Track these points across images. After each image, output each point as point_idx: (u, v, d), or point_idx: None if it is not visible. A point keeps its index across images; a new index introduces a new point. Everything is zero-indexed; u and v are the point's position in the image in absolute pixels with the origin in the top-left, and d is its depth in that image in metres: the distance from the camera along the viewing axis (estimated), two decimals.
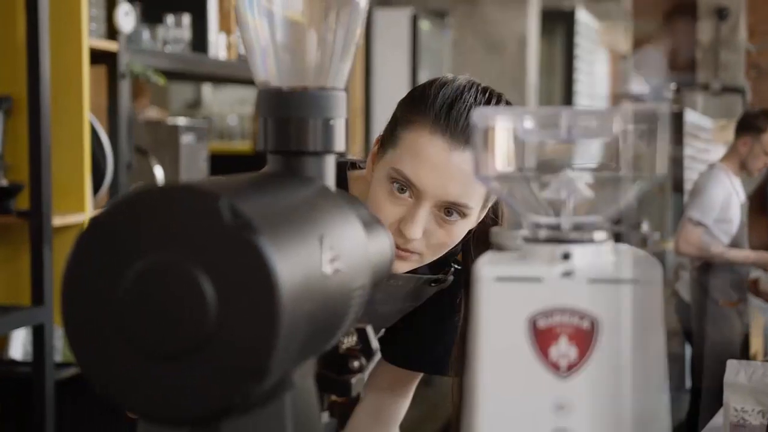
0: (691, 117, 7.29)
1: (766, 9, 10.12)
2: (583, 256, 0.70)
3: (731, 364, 1.93)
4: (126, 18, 2.68)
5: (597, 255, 0.71)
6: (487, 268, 0.70)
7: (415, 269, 1.34)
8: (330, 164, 0.84)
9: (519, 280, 0.70)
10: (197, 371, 0.62)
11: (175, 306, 0.63)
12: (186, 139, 3.11)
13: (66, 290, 0.65)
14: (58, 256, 2.52)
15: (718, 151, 8.69)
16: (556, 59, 7.66)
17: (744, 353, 4.39)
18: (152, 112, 4.04)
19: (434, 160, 1.23)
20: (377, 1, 5.00)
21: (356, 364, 0.84)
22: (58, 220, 2.49)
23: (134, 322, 0.63)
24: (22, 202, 2.45)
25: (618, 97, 10.05)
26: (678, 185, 7.19)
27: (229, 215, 0.63)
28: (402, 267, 1.30)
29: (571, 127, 0.71)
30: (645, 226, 6.47)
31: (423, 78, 6.00)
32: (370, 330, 0.88)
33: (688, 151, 7.05)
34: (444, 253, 1.31)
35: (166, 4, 3.12)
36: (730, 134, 8.73)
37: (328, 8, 0.84)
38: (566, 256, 0.70)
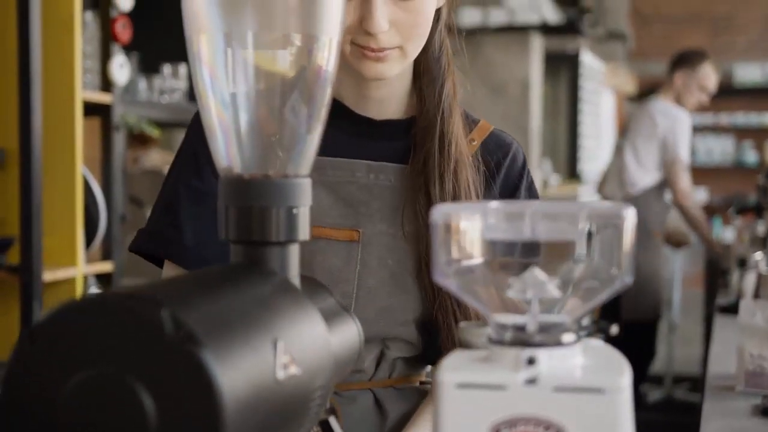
0: (586, 58, 7.38)
1: None
2: (549, 360, 0.67)
3: (745, 304, 1.77)
4: (121, 70, 2.67)
5: (564, 359, 0.68)
6: (449, 373, 0.67)
7: None
8: (294, 254, 0.82)
9: (482, 387, 0.66)
10: None
11: (114, 421, 0.60)
12: None
13: (4, 400, 0.62)
14: None
15: (607, 94, 8.80)
16: (561, 101, 7.65)
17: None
18: (155, 156, 4.03)
19: None
20: None
21: None
22: (49, 275, 2.46)
23: None
24: (13, 256, 2.43)
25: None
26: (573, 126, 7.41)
27: (171, 326, 0.60)
28: (387, 68, 1.21)
29: (535, 224, 0.68)
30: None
31: None
32: (333, 421, 0.85)
33: (582, 93, 7.22)
34: (424, 36, 1.22)
35: (163, 55, 3.12)
36: (617, 78, 8.80)
37: (290, 93, 0.82)
38: (531, 361, 0.67)
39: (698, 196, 10.43)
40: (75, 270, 2.56)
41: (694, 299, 6.55)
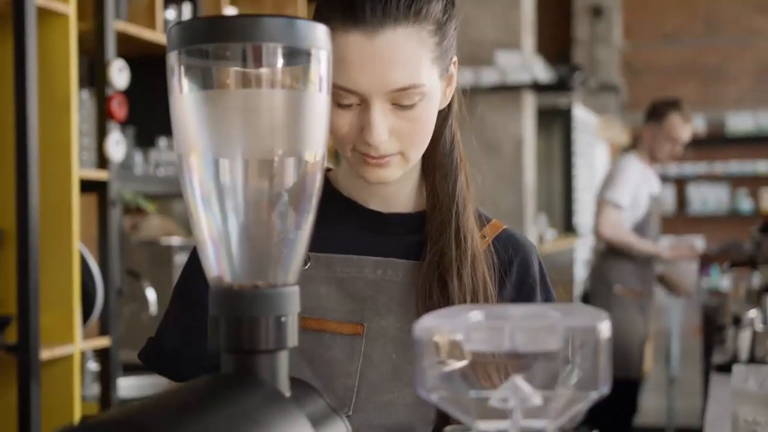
0: (579, 112, 7.46)
1: (641, 8, 10.32)
2: None
3: (738, 369, 1.77)
4: (117, 147, 2.71)
5: None
6: None
7: None
8: (283, 360, 0.84)
9: None
10: None
11: None
12: (180, 259, 3.12)
13: None
14: (47, 391, 2.51)
15: (601, 146, 8.87)
16: (555, 155, 7.71)
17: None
18: (155, 222, 4.05)
19: (357, 56, 1.14)
20: None
21: None
22: (46, 353, 2.47)
23: None
24: (10, 335, 2.44)
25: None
26: (568, 180, 7.44)
27: None
28: (389, 174, 1.21)
29: (515, 338, 0.71)
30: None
31: None
32: None
33: (576, 147, 7.33)
34: (426, 141, 1.21)
35: (158, 128, 3.16)
36: (610, 130, 8.86)
37: (278, 207, 0.85)
38: None
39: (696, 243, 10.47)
40: (72, 347, 2.57)
41: (695, 350, 6.55)
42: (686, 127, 4.56)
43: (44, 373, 2.52)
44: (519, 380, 0.72)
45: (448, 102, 1.29)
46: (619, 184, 4.43)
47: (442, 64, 1.21)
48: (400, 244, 1.28)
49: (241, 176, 0.83)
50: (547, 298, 1.32)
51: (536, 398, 0.71)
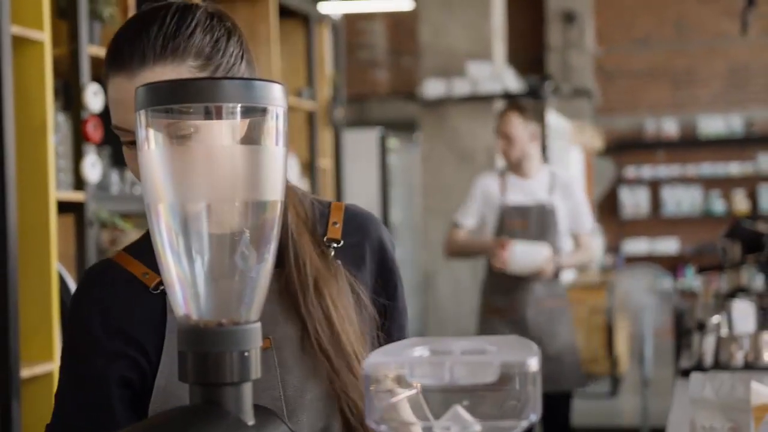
0: (552, 119, 7.56)
1: (613, 13, 10.48)
2: None
3: (696, 377, 1.82)
4: (92, 169, 2.77)
5: None
6: None
7: None
8: (247, 391, 0.91)
9: None
10: None
11: None
12: None
13: None
14: (27, 408, 2.57)
15: (575, 151, 8.99)
16: None
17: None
18: (133, 236, 4.09)
19: (121, 96, 1.20)
20: (347, 122, 5.14)
21: None
22: (26, 372, 2.53)
23: None
24: None
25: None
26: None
27: None
28: None
29: (454, 372, 0.78)
30: None
31: (393, 193, 6.13)
32: None
33: (550, 152, 7.32)
34: None
35: None
36: (584, 135, 8.95)
37: (240, 250, 0.92)
38: None
39: (669, 246, 10.62)
40: (52, 365, 2.63)
41: (669, 350, 6.64)
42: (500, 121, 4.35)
43: (24, 391, 2.57)
44: (460, 409, 0.79)
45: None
46: (465, 203, 4.41)
47: None
48: None
49: (205, 222, 0.90)
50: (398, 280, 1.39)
51: (476, 426, 0.79)
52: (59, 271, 2.67)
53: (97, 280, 1.33)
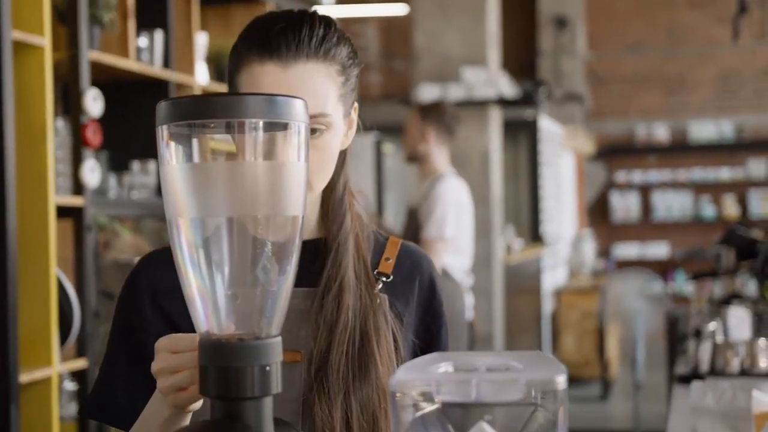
0: (544, 123, 7.58)
1: (605, 18, 10.51)
2: None
3: (696, 386, 1.82)
4: (91, 174, 2.77)
5: None
6: None
7: None
8: (268, 406, 0.91)
9: None
10: None
11: None
12: None
13: None
14: (26, 413, 2.56)
15: (567, 156, 9.01)
16: (521, 166, 7.82)
17: None
18: (127, 240, 4.07)
19: (272, 84, 1.22)
20: None
21: None
22: (25, 377, 2.53)
23: None
24: None
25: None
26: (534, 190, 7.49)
27: None
28: None
29: (480, 389, 0.78)
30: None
31: (389, 199, 6.12)
32: None
33: (542, 157, 7.36)
34: (329, 173, 1.27)
35: (132, 152, 3.22)
36: (576, 140, 8.96)
37: (261, 265, 0.92)
38: None
39: (659, 250, 10.65)
40: (50, 369, 2.63)
41: (661, 355, 6.65)
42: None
43: (23, 396, 2.57)
44: (485, 425, 0.80)
45: (347, 145, 1.35)
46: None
47: (346, 105, 1.29)
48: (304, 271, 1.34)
49: (226, 237, 0.90)
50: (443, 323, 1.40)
51: None
52: (58, 276, 2.66)
53: (153, 262, 1.33)
